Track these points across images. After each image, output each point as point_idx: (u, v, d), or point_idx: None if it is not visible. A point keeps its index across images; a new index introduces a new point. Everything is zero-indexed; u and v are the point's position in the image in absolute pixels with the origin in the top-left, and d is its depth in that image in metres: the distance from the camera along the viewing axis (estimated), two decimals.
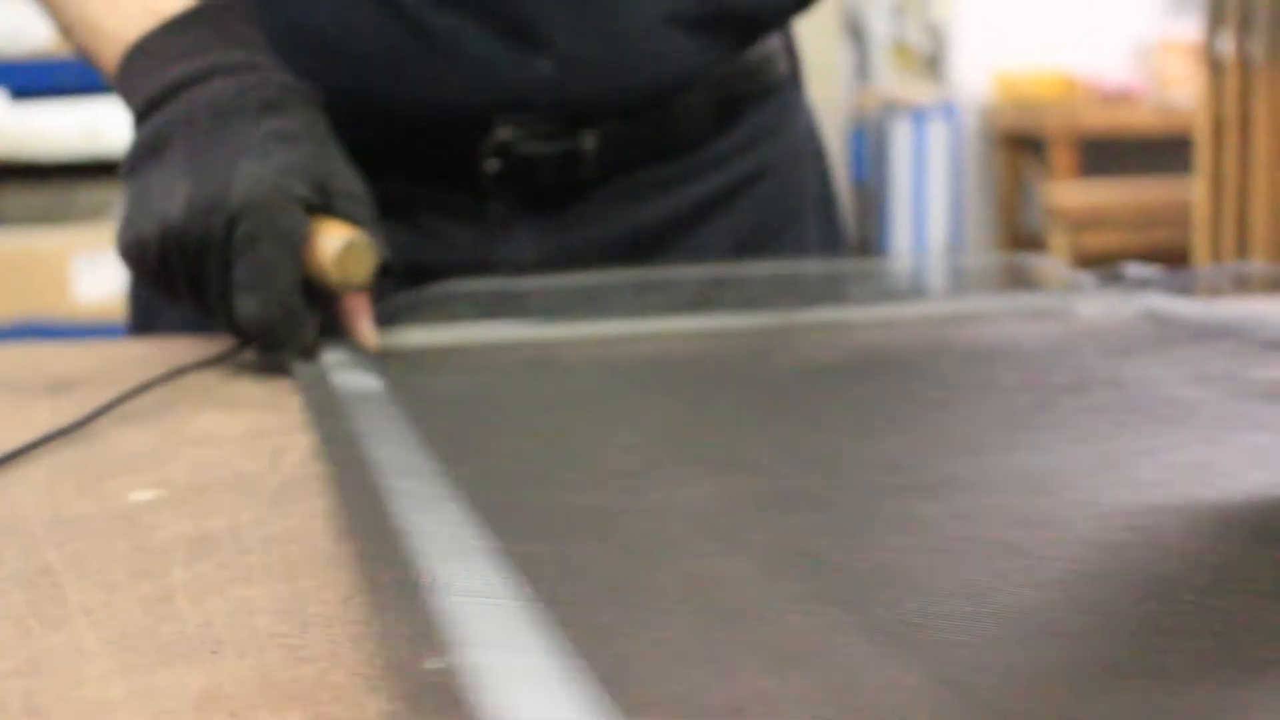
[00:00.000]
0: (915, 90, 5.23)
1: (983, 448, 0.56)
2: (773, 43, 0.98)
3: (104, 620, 0.40)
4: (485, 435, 0.61)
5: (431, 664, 0.32)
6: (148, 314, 0.94)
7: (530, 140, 0.87)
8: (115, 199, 2.98)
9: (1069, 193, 4.63)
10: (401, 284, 0.80)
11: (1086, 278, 0.86)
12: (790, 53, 1.02)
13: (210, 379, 0.73)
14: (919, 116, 5.11)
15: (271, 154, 0.71)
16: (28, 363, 0.77)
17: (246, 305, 0.70)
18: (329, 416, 0.59)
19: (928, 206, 5.15)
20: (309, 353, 0.72)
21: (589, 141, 0.88)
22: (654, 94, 0.89)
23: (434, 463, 0.50)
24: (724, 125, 0.95)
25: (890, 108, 5.18)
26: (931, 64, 5.31)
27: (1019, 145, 5.18)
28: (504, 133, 0.86)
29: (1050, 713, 0.31)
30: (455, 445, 0.57)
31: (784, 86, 1.00)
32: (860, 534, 0.45)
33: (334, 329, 0.75)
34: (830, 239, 1.02)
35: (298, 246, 0.71)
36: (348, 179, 0.75)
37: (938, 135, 5.12)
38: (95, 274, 2.65)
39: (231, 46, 0.77)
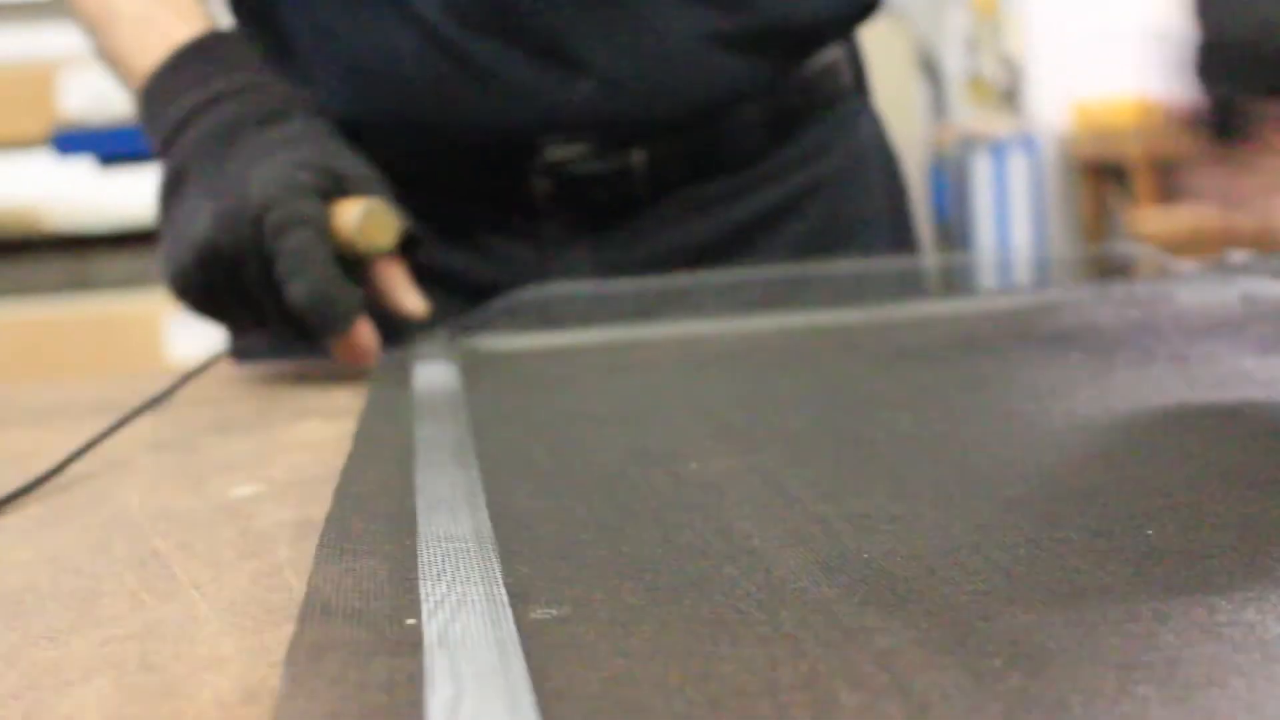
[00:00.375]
0: (993, 124, 5.21)
1: (1010, 415, 0.58)
2: (833, 53, 0.96)
3: (214, 593, 0.41)
4: (536, 417, 0.63)
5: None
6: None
7: (579, 160, 0.88)
8: None
9: (1155, 219, 4.59)
10: (466, 302, 0.83)
11: (1186, 264, 0.85)
12: (854, 62, 1.01)
13: (306, 392, 0.74)
14: (998, 150, 5.09)
15: (277, 156, 0.74)
16: (128, 387, 0.79)
17: (296, 292, 0.73)
18: (388, 386, 0.63)
19: (1012, 240, 5.12)
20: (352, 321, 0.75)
21: (638, 159, 0.88)
22: (699, 112, 0.89)
23: (471, 436, 0.54)
24: (780, 139, 0.94)
25: (969, 142, 5.16)
26: (1008, 97, 5.29)
27: (1101, 174, 5.14)
28: (552, 153, 0.87)
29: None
30: (501, 422, 0.59)
31: (846, 97, 0.99)
32: (833, 485, 0.47)
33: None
34: (903, 248, 1.01)
35: (323, 228, 0.74)
36: (354, 164, 0.78)
37: (1018, 168, 5.09)
38: (188, 335, 2.68)
39: (232, 71, 0.80)
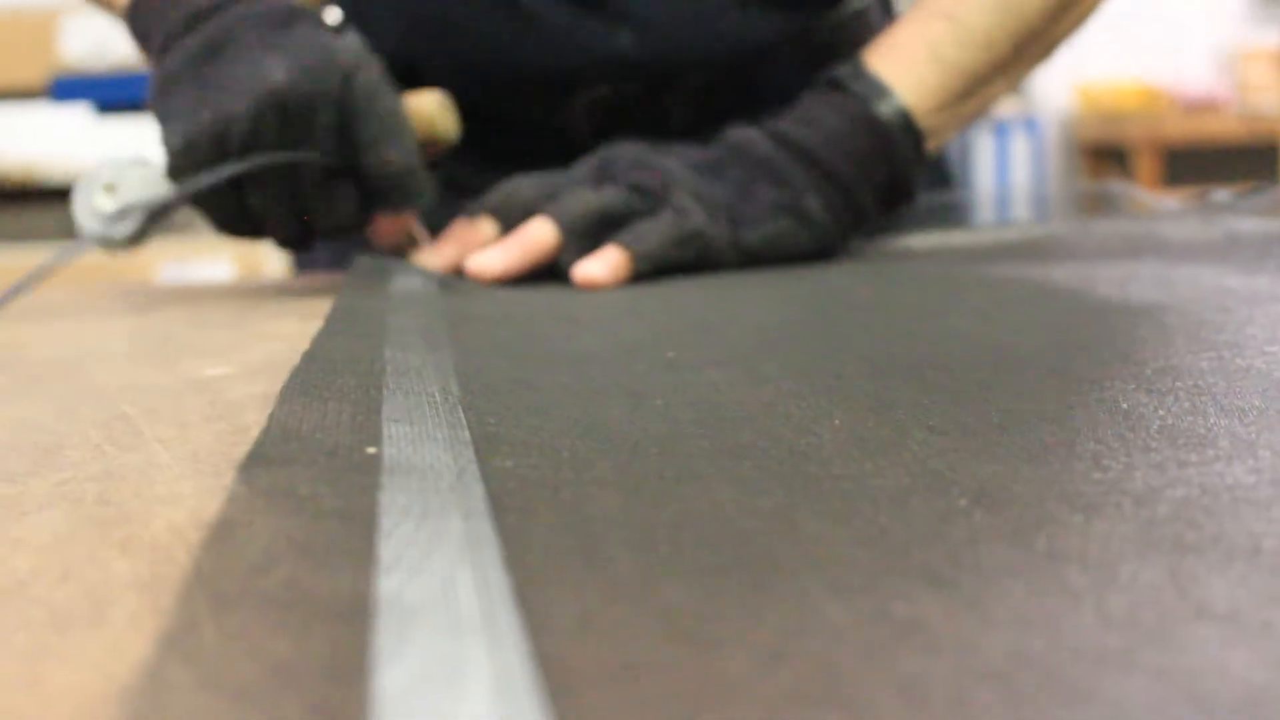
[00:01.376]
0: (996, 104, 5.19)
1: (986, 315, 0.58)
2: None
3: (178, 446, 0.40)
4: (512, 314, 0.63)
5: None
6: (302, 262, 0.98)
7: (619, 99, 0.88)
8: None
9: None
10: None
11: (1172, 203, 0.85)
12: (886, 8, 1.01)
13: (286, 298, 0.74)
14: (1001, 130, 5.07)
15: (346, 37, 0.73)
16: (113, 293, 0.79)
17: (392, 153, 0.72)
18: (365, 281, 0.66)
19: (1011, 220, 5.10)
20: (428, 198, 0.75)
21: (675, 99, 0.89)
22: (735, 61, 0.90)
23: (445, 325, 0.54)
24: (814, 75, 0.94)
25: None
26: None
27: (1102, 157, 5.13)
28: (593, 93, 0.88)
29: None
30: (476, 318, 0.59)
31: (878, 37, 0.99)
32: (806, 366, 0.47)
33: None
34: (935, 181, 1.01)
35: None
36: None
37: (1020, 148, 5.08)
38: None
39: None
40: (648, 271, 0.73)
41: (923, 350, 0.49)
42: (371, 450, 0.33)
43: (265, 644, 0.23)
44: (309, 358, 0.43)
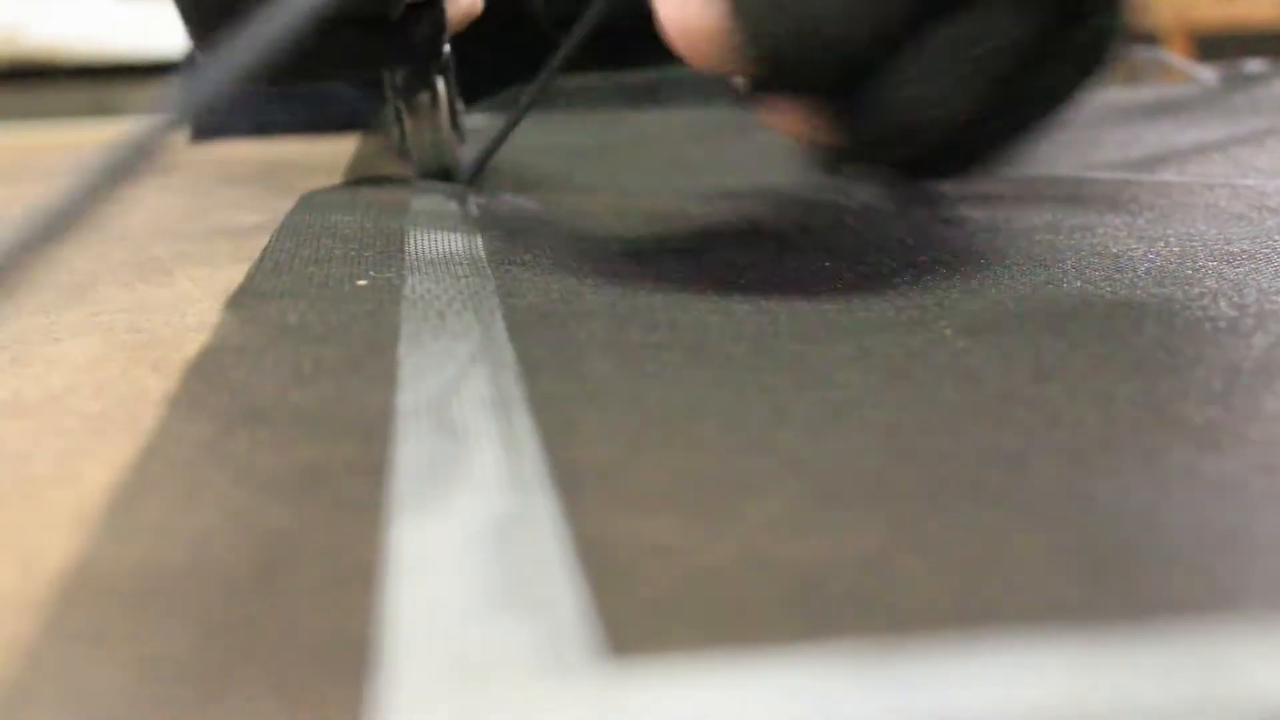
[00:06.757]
0: None
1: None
2: None
3: (207, 283, 0.42)
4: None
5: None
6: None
7: None
8: None
9: None
10: None
11: (1205, 72, 0.85)
12: None
13: (316, 156, 0.75)
14: None
15: None
16: None
17: None
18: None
19: None
20: None
21: None
22: None
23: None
24: None
25: None
26: None
27: (1131, 40, 5.07)
28: None
29: None
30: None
31: None
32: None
33: None
34: None
35: None
36: None
37: None
38: None
39: None
40: None
41: (908, 229, 0.49)
42: (362, 283, 0.34)
43: (294, 449, 0.25)
44: (306, 199, 0.45)
